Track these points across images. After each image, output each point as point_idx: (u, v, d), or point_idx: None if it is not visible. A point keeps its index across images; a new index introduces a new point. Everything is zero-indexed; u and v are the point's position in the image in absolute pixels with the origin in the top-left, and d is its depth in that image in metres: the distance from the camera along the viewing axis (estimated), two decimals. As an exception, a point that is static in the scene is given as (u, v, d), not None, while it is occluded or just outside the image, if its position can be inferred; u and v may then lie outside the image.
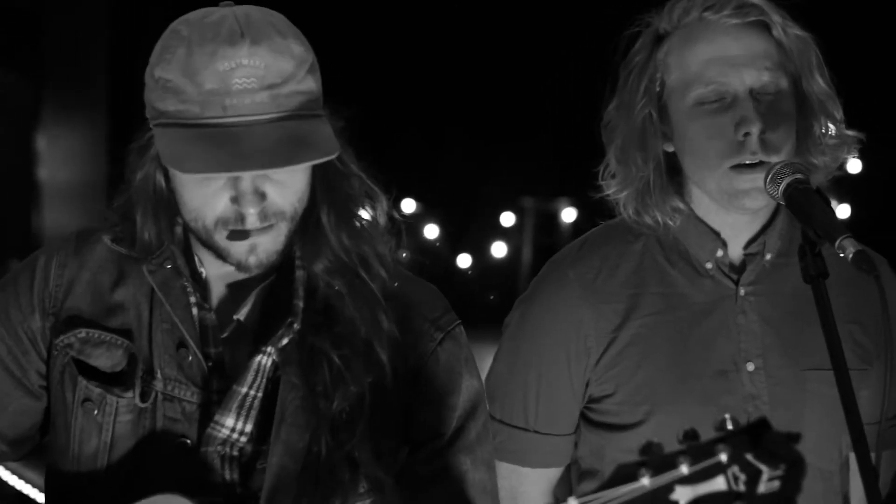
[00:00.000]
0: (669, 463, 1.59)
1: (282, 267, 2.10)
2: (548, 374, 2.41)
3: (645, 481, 1.58)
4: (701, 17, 2.34)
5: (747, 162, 2.23)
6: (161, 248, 2.12)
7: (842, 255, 1.91)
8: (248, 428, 2.06)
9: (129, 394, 2.12)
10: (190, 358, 2.09)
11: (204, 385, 2.09)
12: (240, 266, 2.04)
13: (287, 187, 2.03)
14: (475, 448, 2.14)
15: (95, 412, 2.14)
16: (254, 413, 2.06)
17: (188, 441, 2.07)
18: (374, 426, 2.04)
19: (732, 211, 2.30)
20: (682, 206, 2.35)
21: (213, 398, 2.08)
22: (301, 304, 2.08)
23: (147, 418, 2.12)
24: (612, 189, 2.39)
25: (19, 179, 8.39)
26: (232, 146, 1.97)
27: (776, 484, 1.60)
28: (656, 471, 1.59)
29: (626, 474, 1.61)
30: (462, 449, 2.13)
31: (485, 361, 2.50)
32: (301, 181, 2.05)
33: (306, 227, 2.10)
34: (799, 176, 2.07)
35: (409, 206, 13.97)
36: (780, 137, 2.25)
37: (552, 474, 2.48)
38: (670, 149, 2.36)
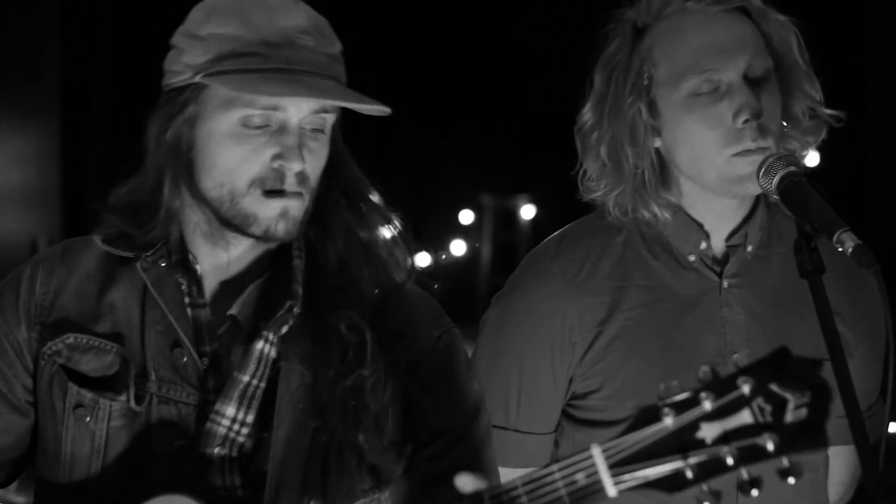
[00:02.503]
0: (692, 401, 1.58)
1: (278, 261, 2.09)
2: (530, 371, 2.40)
3: (668, 421, 1.57)
4: (684, 7, 2.33)
5: (748, 148, 2.22)
6: (156, 246, 2.09)
7: (840, 249, 1.90)
8: (250, 418, 2.03)
9: (123, 397, 2.08)
10: (185, 358, 2.07)
11: (200, 385, 2.06)
12: (266, 234, 2.02)
13: (318, 157, 2.05)
14: (480, 450, 2.13)
15: (88, 418, 2.10)
16: (255, 403, 2.03)
17: (185, 444, 2.05)
18: (377, 420, 2.03)
19: (730, 198, 2.29)
20: (672, 199, 2.35)
21: (210, 398, 2.05)
22: (300, 288, 2.06)
23: (141, 422, 2.08)
24: (602, 189, 2.38)
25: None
26: (304, 85, 2.00)
27: (803, 412, 1.57)
28: (679, 410, 1.58)
29: (648, 417, 1.59)
30: (470, 448, 2.11)
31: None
32: (326, 152, 2.08)
33: (322, 203, 2.12)
34: (793, 168, 2.07)
35: (366, 205, 13.95)
36: (774, 122, 2.25)
37: (531, 475, 2.46)
38: (658, 143, 2.35)
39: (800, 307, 2.33)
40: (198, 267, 2.11)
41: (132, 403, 2.09)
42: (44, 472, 2.17)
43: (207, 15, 2.08)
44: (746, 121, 2.30)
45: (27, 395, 2.16)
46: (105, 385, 2.11)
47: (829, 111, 2.45)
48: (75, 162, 7.99)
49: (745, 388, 1.57)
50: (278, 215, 2.02)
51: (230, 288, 2.12)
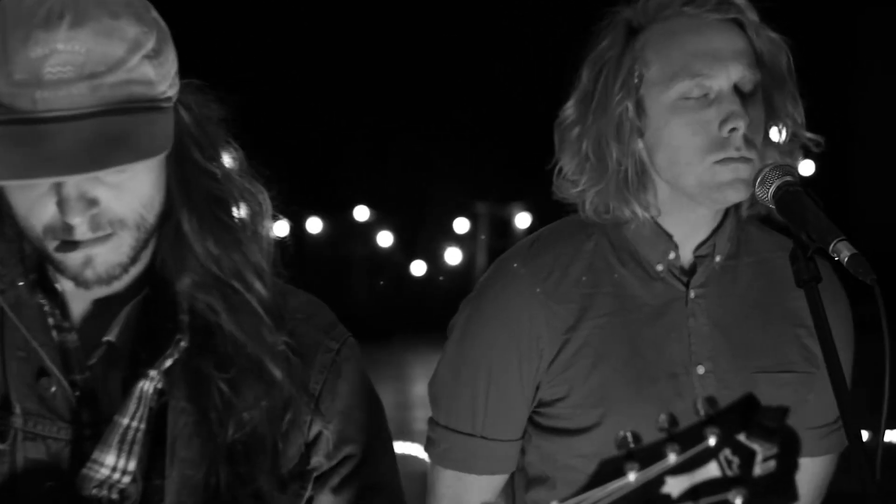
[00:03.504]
0: (656, 453, 1.50)
1: (155, 279, 1.85)
2: (497, 376, 2.38)
3: (632, 477, 1.50)
4: (681, 11, 2.33)
5: (731, 156, 2.22)
6: (11, 262, 1.86)
7: (836, 258, 1.88)
8: (131, 466, 1.81)
9: None
10: (53, 388, 1.83)
11: (72, 418, 1.84)
12: (77, 281, 1.79)
13: (125, 191, 1.77)
14: (387, 468, 2.01)
15: None
16: (137, 448, 1.82)
17: (56, 484, 1.83)
18: (276, 452, 1.85)
19: (707, 205, 2.29)
20: (652, 200, 2.35)
21: (85, 433, 1.84)
22: (187, 318, 1.83)
23: (6, 462, 1.85)
24: (580, 187, 2.37)
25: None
26: (35, 147, 1.70)
27: (772, 464, 1.52)
28: (643, 463, 1.51)
29: (610, 471, 1.51)
30: (376, 468, 1.98)
31: (444, 370, 2.46)
32: (145, 183, 1.80)
33: (164, 233, 1.84)
34: (789, 178, 2.05)
35: (362, 213, 13.95)
36: (759, 135, 2.25)
37: (498, 481, 2.45)
38: (639, 145, 2.35)
39: (767, 317, 2.34)
40: (58, 286, 1.87)
41: None
42: None
43: None
44: (733, 130, 2.30)
45: None
46: None
47: (808, 135, 2.45)
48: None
49: (712, 440, 1.50)
50: (81, 265, 1.78)
51: (100, 308, 1.88)
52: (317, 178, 11.85)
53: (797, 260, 1.96)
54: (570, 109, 2.40)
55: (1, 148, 1.71)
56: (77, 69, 1.71)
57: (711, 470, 1.50)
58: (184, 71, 1.84)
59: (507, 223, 13.06)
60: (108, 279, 1.79)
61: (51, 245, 1.76)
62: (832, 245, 1.88)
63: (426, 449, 2.35)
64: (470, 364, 2.37)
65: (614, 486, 1.52)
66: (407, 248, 13.20)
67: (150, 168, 1.79)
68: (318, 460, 1.91)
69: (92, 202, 1.74)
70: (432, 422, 2.35)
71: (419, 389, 11.70)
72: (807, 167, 2.51)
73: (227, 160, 1.91)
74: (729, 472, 1.50)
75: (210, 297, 1.86)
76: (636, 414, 2.31)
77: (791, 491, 1.52)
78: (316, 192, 12.55)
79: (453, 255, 13.39)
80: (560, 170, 2.42)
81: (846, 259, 1.85)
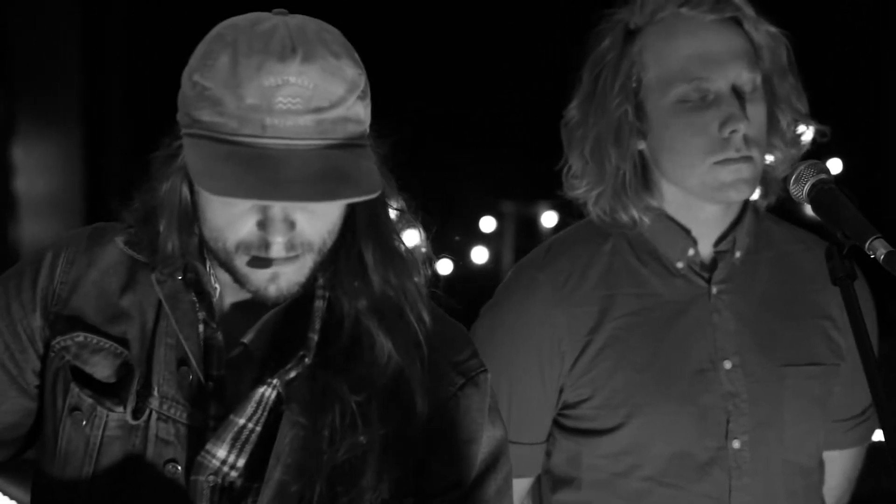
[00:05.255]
0: None
1: (298, 295, 1.99)
2: (520, 382, 2.39)
3: None
4: (678, 13, 2.33)
5: (731, 157, 2.22)
6: (174, 260, 2.02)
7: (872, 256, 1.89)
8: (241, 462, 1.96)
9: (121, 409, 2.04)
10: (191, 377, 2.00)
11: (202, 408, 2.00)
12: (258, 294, 1.95)
13: (319, 217, 1.92)
14: (498, 497, 2.05)
15: (84, 423, 2.06)
16: (248, 447, 1.96)
17: (178, 466, 1.99)
18: (380, 478, 1.94)
19: (713, 204, 2.29)
20: (654, 203, 2.35)
21: (209, 423, 1.99)
22: (316, 337, 1.97)
23: (138, 436, 2.03)
24: (582, 188, 2.38)
25: (-4, 192, 8.36)
26: (266, 171, 1.83)
27: None
28: None
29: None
30: (486, 495, 2.02)
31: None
32: (336, 213, 1.95)
33: (343, 260, 1.98)
34: (823, 176, 2.05)
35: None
36: (760, 133, 2.25)
37: (523, 485, 2.45)
38: (642, 146, 2.35)
39: (789, 310, 2.34)
40: (217, 287, 2.03)
41: (129, 417, 2.03)
42: (41, 460, 2.15)
43: (203, 56, 1.93)
44: (733, 131, 2.30)
45: (36, 380, 2.12)
46: (107, 391, 2.06)
47: (814, 125, 2.45)
48: (98, 169, 8.01)
49: None
50: (268, 280, 1.94)
51: (245, 313, 2.03)
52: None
53: (832, 257, 1.96)
54: (573, 110, 2.41)
55: (231, 167, 1.83)
56: (305, 102, 1.85)
57: None
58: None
59: (534, 222, 13.03)
60: (288, 296, 1.95)
61: (242, 259, 1.92)
62: (868, 242, 1.88)
63: None
64: (492, 371, 2.38)
65: None
66: (433, 246, 13.18)
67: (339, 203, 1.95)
68: (421, 489, 2.00)
69: (291, 225, 1.89)
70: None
71: (445, 388, 11.67)
72: (835, 165, 2.50)
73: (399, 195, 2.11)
74: None
75: (376, 320, 1.98)
76: (662, 412, 2.30)
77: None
78: (342, 192, 12.53)
79: (480, 254, 13.37)
80: (569, 169, 2.43)
81: (882, 256, 1.85)
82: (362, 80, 1.94)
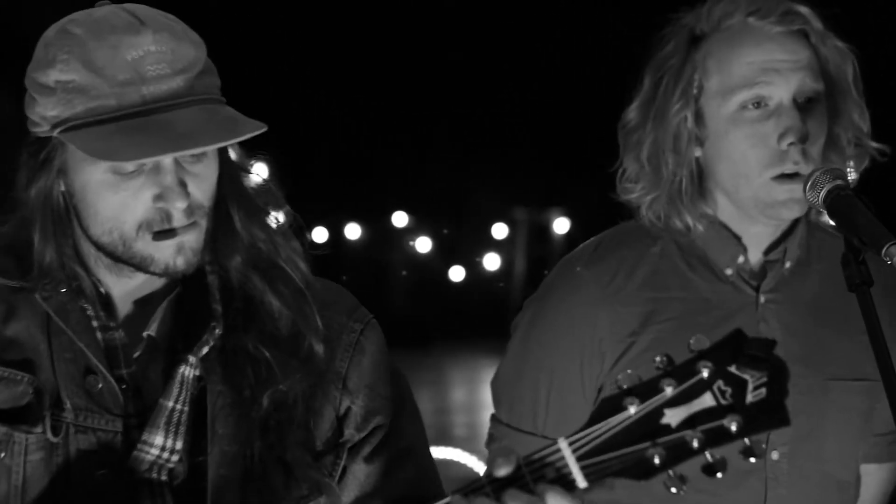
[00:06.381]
0: (653, 388, 1.62)
1: (187, 276, 1.99)
2: (559, 377, 2.37)
3: (632, 409, 1.62)
4: (745, 22, 2.31)
5: (787, 172, 2.20)
6: (54, 272, 1.99)
7: (889, 262, 1.87)
8: (178, 445, 1.96)
9: (38, 429, 1.97)
10: (100, 385, 1.97)
11: (119, 411, 1.97)
12: (166, 271, 1.94)
13: (203, 179, 1.95)
14: (415, 435, 2.10)
15: (3, 454, 1.99)
16: (182, 429, 1.96)
17: (107, 473, 1.96)
18: (307, 426, 1.97)
19: (764, 221, 2.27)
20: (708, 211, 2.33)
21: (132, 422, 1.97)
22: (220, 307, 1.99)
23: (60, 454, 1.99)
24: (637, 192, 2.36)
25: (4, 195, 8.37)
26: (165, 131, 1.89)
27: (763, 392, 1.63)
28: (641, 398, 1.62)
29: (612, 406, 1.63)
30: (403, 436, 2.08)
31: (478, 373, 2.47)
32: (214, 174, 1.98)
33: (217, 223, 2.01)
34: (839, 182, 2.03)
35: (400, 219, 13.95)
36: (818, 148, 2.23)
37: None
38: (698, 153, 2.33)
39: (839, 324, 2.30)
40: (104, 290, 2.01)
41: (49, 435, 1.97)
42: None
43: (51, 58, 1.96)
44: (791, 143, 2.28)
45: None
46: (18, 418, 1.98)
47: (875, 144, 2.43)
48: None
49: (704, 373, 1.62)
50: (174, 252, 1.94)
51: (142, 307, 2.03)
52: (355, 184, 11.87)
53: (849, 264, 1.94)
54: (632, 113, 2.39)
55: (130, 137, 1.88)
56: (170, 66, 1.92)
57: (706, 400, 1.61)
58: (225, 82, 2.03)
59: (546, 228, 13.04)
60: (193, 265, 1.94)
61: (145, 239, 1.91)
62: (885, 249, 1.86)
63: (487, 445, 2.37)
64: (533, 365, 2.37)
65: (616, 419, 1.63)
66: (445, 253, 13.20)
67: (215, 161, 1.97)
68: (350, 433, 2.02)
69: (184, 191, 1.91)
70: (494, 419, 2.36)
71: (458, 394, 11.17)
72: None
73: (261, 170, 2.08)
74: (723, 401, 1.61)
75: (256, 276, 2.01)
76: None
77: (781, 414, 1.67)
78: (354, 199, 12.56)
79: (492, 261, 13.39)
80: (623, 171, 2.41)
81: None
82: (203, 44, 2.00)
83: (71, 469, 1.99)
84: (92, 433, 1.98)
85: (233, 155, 2.02)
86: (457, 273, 13.26)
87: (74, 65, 1.93)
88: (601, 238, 2.45)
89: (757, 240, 2.32)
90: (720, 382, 1.62)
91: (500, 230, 13.42)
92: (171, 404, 1.97)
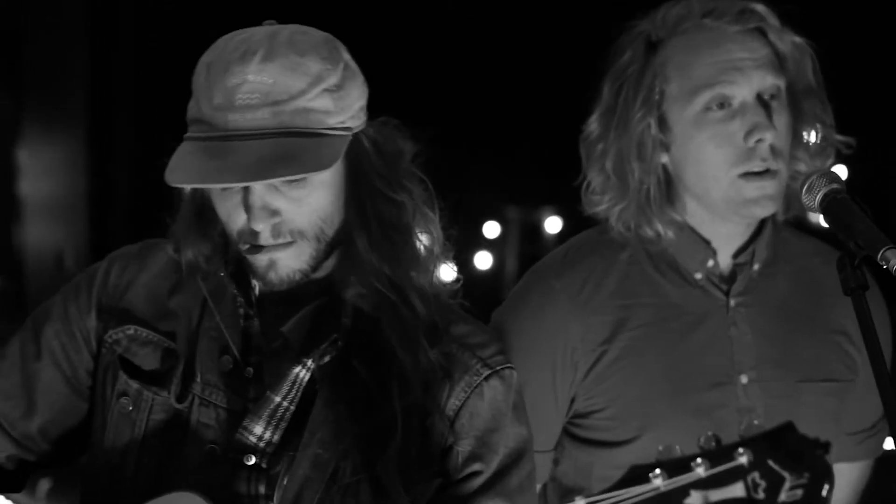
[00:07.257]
0: (685, 465, 1.61)
1: (332, 288, 2.21)
2: (531, 389, 2.38)
3: (658, 482, 1.58)
4: (701, 23, 2.32)
5: (756, 170, 2.21)
6: (215, 257, 2.22)
7: (885, 266, 1.89)
8: (276, 438, 2.13)
9: (166, 393, 2.22)
10: (231, 365, 2.18)
11: (241, 393, 2.18)
12: (264, 281, 2.16)
13: (304, 205, 2.09)
14: (515, 498, 2.13)
15: (130, 408, 2.24)
16: (283, 425, 2.13)
17: (217, 448, 2.17)
18: (407, 454, 2.10)
19: (736, 220, 2.27)
20: (677, 217, 2.33)
21: (248, 407, 2.18)
22: (349, 322, 2.17)
23: (181, 420, 2.21)
24: (605, 203, 2.36)
25: (1, 194, 8.39)
26: (220, 160, 2.03)
27: (799, 493, 1.60)
28: (671, 473, 1.62)
29: (638, 475, 1.60)
30: (500, 494, 2.11)
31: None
32: (322, 199, 2.10)
33: (344, 250, 2.20)
34: (835, 185, 2.05)
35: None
36: (785, 143, 2.24)
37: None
38: (665, 159, 2.33)
39: (807, 325, 2.32)
40: (256, 283, 2.22)
41: (173, 401, 2.19)
42: (90, 455, 2.29)
43: (199, 65, 2.16)
44: (759, 141, 2.28)
45: (88, 380, 2.30)
46: (153, 379, 2.22)
47: (839, 137, 2.44)
48: (102, 174, 8.02)
49: (743, 460, 1.57)
50: (266, 267, 2.12)
51: (285, 307, 2.22)
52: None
53: (844, 268, 1.96)
54: (593, 124, 2.40)
55: (192, 159, 2.05)
56: (263, 97, 2.06)
57: (737, 490, 1.57)
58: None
59: (538, 228, 13.01)
60: (289, 282, 2.17)
61: (243, 248, 2.16)
62: (881, 253, 1.88)
63: None
64: None
65: (640, 490, 1.62)
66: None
67: (327, 186, 2.13)
68: (448, 469, 2.19)
69: (274, 213, 2.09)
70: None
71: (449, 393, 11.69)
72: (840, 171, 2.49)
73: (416, 192, 2.32)
74: (754, 495, 1.57)
75: (372, 307, 2.18)
76: (677, 426, 2.29)
77: None
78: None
79: (483, 260, 13.36)
80: (588, 185, 2.41)
81: (895, 267, 1.85)
82: (332, 75, 2.11)
83: (187, 436, 2.21)
84: (213, 409, 2.18)
85: (375, 181, 2.17)
86: (447, 272, 13.22)
87: (197, 83, 2.13)
88: (568, 246, 2.46)
89: (727, 241, 2.33)
90: (756, 474, 1.57)
91: (491, 229, 13.39)
92: (278, 399, 2.13)
